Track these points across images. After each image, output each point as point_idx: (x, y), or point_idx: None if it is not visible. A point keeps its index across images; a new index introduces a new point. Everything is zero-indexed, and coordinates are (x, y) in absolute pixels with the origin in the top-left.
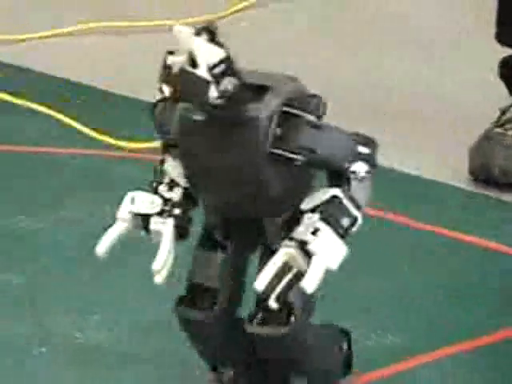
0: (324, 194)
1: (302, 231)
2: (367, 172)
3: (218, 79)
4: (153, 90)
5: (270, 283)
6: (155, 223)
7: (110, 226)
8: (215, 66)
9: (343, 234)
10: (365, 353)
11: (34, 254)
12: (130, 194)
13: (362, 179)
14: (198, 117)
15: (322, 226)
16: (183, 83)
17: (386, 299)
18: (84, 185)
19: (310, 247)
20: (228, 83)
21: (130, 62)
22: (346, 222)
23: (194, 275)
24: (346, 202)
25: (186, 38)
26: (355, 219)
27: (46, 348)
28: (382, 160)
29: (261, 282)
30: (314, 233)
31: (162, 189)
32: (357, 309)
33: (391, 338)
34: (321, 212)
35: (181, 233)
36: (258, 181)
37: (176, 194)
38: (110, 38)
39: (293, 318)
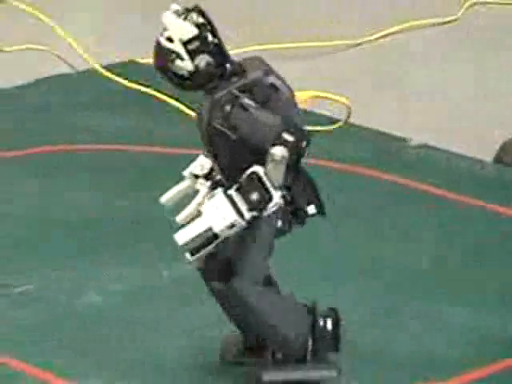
0: (249, 170)
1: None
2: (283, 157)
3: (192, 55)
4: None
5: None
6: (199, 184)
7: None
8: (189, 42)
9: (251, 206)
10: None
11: None
12: (199, 158)
13: (277, 162)
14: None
15: (218, 192)
16: (155, 54)
17: None
18: None
19: (201, 208)
20: (200, 60)
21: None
22: (255, 196)
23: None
24: (264, 179)
25: (165, 15)
26: (269, 197)
27: None
28: None
29: (182, 236)
30: (210, 198)
31: None
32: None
33: None
34: (238, 184)
35: None
36: (212, 147)
37: None
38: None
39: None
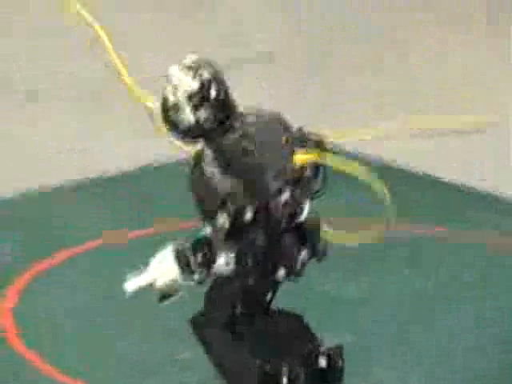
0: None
1: None
2: (222, 226)
3: (195, 107)
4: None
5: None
6: None
7: None
8: (193, 95)
9: (198, 266)
10: None
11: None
12: None
13: (216, 230)
14: None
15: (167, 247)
16: (161, 106)
17: None
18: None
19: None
20: (201, 113)
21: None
22: (199, 257)
23: None
24: (213, 242)
25: (171, 69)
26: (213, 259)
27: None
28: None
29: (130, 285)
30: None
31: None
32: None
33: None
34: (191, 241)
35: None
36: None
37: None
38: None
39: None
